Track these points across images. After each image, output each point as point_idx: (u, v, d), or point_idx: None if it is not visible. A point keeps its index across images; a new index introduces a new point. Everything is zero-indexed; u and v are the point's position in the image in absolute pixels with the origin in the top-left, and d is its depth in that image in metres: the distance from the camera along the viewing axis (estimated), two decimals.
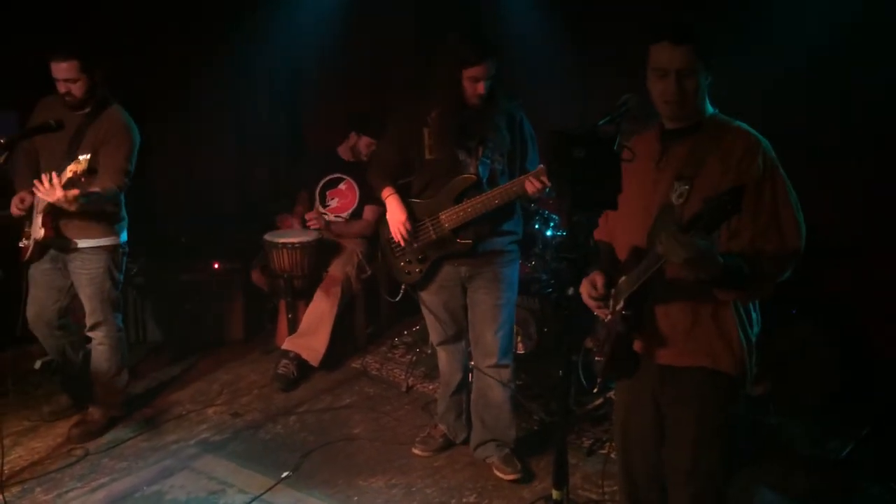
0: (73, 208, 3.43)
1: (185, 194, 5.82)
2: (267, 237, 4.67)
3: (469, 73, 3.17)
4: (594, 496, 3.36)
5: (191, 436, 3.91)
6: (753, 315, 2.30)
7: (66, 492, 3.39)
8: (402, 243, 3.42)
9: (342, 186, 4.95)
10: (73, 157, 3.36)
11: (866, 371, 3.96)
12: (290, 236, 4.66)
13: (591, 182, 1.92)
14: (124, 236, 3.83)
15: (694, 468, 2.31)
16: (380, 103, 5.48)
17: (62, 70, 3.54)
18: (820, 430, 3.77)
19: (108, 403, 3.95)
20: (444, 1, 5.23)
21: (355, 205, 4.92)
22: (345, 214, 4.93)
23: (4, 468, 3.41)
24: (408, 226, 3.37)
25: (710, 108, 2.27)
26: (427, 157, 3.36)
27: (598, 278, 2.32)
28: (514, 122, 3.35)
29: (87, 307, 3.79)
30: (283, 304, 4.82)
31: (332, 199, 4.96)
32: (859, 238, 4.04)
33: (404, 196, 3.44)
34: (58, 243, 3.66)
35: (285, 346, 4.63)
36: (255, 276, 4.95)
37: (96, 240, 3.70)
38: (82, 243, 3.68)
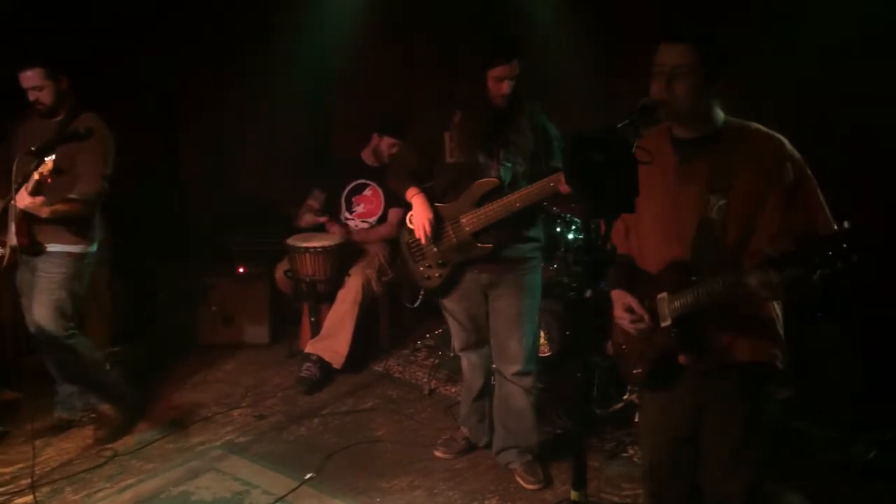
0: (44, 214, 3.43)
1: (212, 199, 5.89)
2: (290, 241, 4.71)
3: (494, 72, 3.16)
4: (616, 499, 3.36)
5: (216, 437, 3.96)
6: (779, 311, 2.31)
7: (96, 492, 3.45)
8: (424, 241, 3.41)
9: (367, 192, 4.98)
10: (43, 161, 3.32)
11: (893, 373, 3.91)
12: (313, 241, 4.69)
13: (609, 185, 1.92)
14: (94, 247, 3.78)
15: (741, 464, 2.31)
16: (404, 107, 5.53)
17: (27, 79, 3.60)
18: (845, 433, 3.73)
19: (109, 397, 3.94)
20: (468, 3, 5.23)
21: (381, 211, 4.95)
22: (371, 220, 4.96)
23: (35, 469, 3.49)
24: (433, 222, 3.36)
25: (721, 115, 2.24)
26: (448, 160, 3.36)
27: (632, 300, 2.30)
28: (535, 124, 3.34)
29: (37, 312, 3.66)
30: (306, 308, 4.86)
31: (358, 205, 4.99)
32: (885, 238, 3.99)
33: (428, 198, 3.42)
34: (35, 249, 3.63)
35: (308, 349, 4.67)
36: (280, 280, 5.00)
37: (63, 245, 3.66)
38: (51, 247, 3.65)
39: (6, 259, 3.56)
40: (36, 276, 3.69)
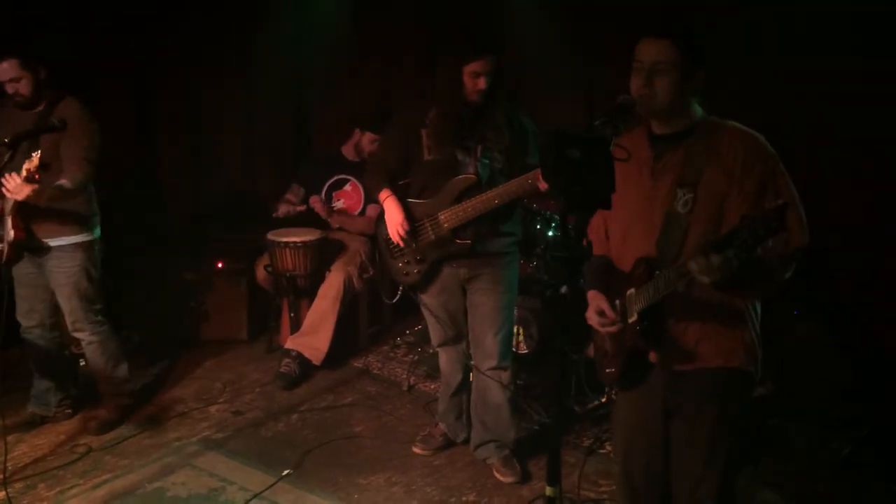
0: (42, 202, 3.43)
1: (190, 193, 5.86)
2: (270, 236, 4.69)
3: (470, 68, 3.14)
4: (593, 495, 3.37)
5: (193, 433, 3.93)
6: (758, 311, 2.31)
7: (69, 488, 3.42)
8: (402, 244, 3.42)
9: (347, 188, 4.96)
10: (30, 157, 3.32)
11: (869, 371, 3.95)
12: (293, 235, 4.67)
13: (585, 182, 1.93)
14: (97, 232, 3.81)
15: (709, 466, 2.30)
16: (387, 103, 5.51)
17: (3, 71, 3.56)
18: (821, 430, 3.76)
19: (116, 395, 3.99)
20: (450, 1, 5.22)
21: (361, 206, 4.94)
22: (352, 215, 4.95)
23: (8, 464, 3.45)
24: (406, 226, 3.36)
25: (699, 111, 2.25)
26: (426, 157, 3.34)
27: (603, 303, 2.29)
28: (512, 120, 3.33)
29: (66, 307, 3.78)
30: (285, 303, 4.84)
31: (338, 200, 4.97)
32: (863, 235, 4.02)
33: (402, 197, 3.43)
34: (31, 244, 3.63)
35: (288, 344, 4.65)
36: (260, 275, 4.97)
37: (68, 238, 3.68)
38: (54, 242, 3.67)
39: (5, 254, 3.55)
40: (50, 274, 3.73)
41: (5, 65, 3.55)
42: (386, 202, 3.41)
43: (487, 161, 3.30)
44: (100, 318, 3.88)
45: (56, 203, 3.54)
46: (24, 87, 3.59)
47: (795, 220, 2.12)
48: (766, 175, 2.13)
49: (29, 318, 3.84)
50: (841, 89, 3.91)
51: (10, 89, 3.60)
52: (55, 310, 3.89)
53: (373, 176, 3.53)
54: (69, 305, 3.77)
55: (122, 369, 4.01)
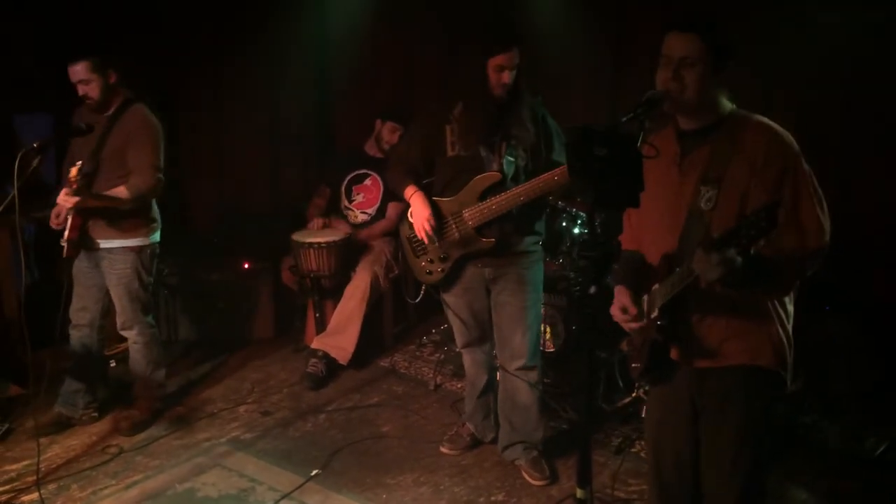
0: (93, 206, 3.56)
1: (217, 194, 5.89)
2: (294, 237, 4.70)
3: (494, 61, 3.12)
4: (622, 495, 3.34)
5: (222, 434, 3.96)
6: (789, 308, 2.27)
7: (101, 489, 3.45)
8: (427, 241, 3.39)
9: (367, 182, 4.97)
10: (97, 159, 3.46)
11: None
12: (318, 236, 4.68)
13: (613, 180, 1.91)
14: (156, 237, 3.89)
15: (737, 465, 2.28)
16: (407, 96, 5.51)
17: (75, 73, 3.62)
18: (854, 428, 3.70)
19: (148, 398, 4.04)
20: None
21: (380, 200, 4.93)
22: (370, 210, 4.94)
23: (41, 465, 3.49)
24: (432, 222, 3.31)
25: (727, 105, 2.22)
26: (449, 153, 3.32)
27: (626, 299, 2.28)
28: (536, 116, 3.30)
29: (118, 306, 3.87)
30: (310, 303, 4.85)
31: (358, 194, 4.98)
32: (893, 232, 3.96)
33: (427, 194, 3.40)
34: (86, 243, 3.74)
35: (314, 344, 4.66)
36: (285, 276, 4.99)
37: (122, 241, 3.76)
38: (108, 244, 3.75)
39: (65, 251, 3.67)
40: (105, 274, 3.82)
41: (77, 67, 3.61)
42: (413, 198, 3.36)
43: (512, 158, 3.27)
44: (149, 320, 3.96)
45: (112, 207, 3.63)
46: (92, 91, 3.65)
47: (812, 220, 2.09)
48: (786, 171, 2.10)
49: (80, 316, 3.91)
50: (874, 77, 3.86)
51: (80, 91, 3.67)
52: (106, 313, 3.96)
53: (395, 172, 3.49)
54: (121, 305, 3.85)
55: (160, 374, 4.08)
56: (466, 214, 3.32)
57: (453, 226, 3.37)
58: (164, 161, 3.74)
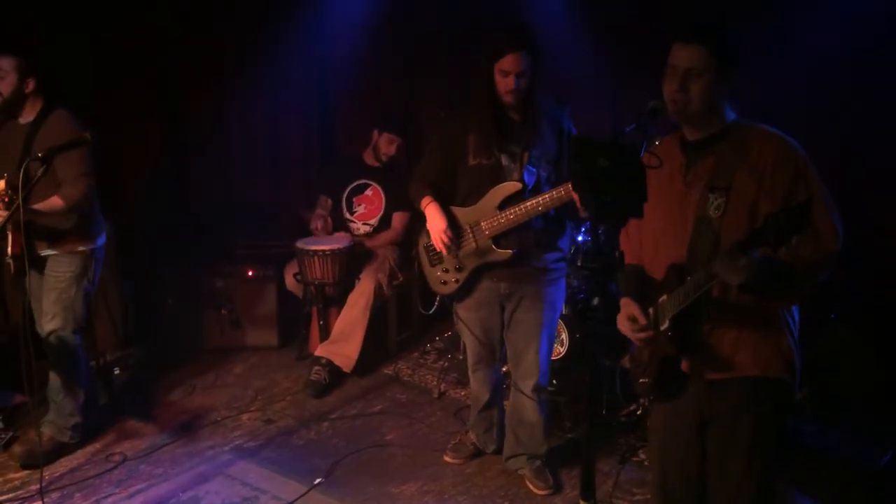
0: (22, 218, 3.35)
1: (221, 203, 5.89)
2: (299, 244, 4.70)
3: (500, 65, 3.06)
4: None
5: (225, 442, 3.95)
6: (796, 317, 2.27)
7: (105, 497, 3.45)
8: (445, 251, 3.33)
9: (368, 193, 4.97)
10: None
11: None
12: (322, 244, 4.68)
13: (616, 191, 1.90)
14: (100, 241, 3.75)
15: (747, 476, 2.26)
16: (410, 109, 5.51)
17: None
18: (859, 437, 3.69)
19: (57, 425, 3.76)
20: (475, 6, 5.20)
21: (382, 211, 4.93)
22: (372, 221, 4.95)
23: (45, 473, 3.49)
24: (449, 233, 3.26)
25: (730, 115, 2.22)
26: (470, 162, 3.26)
27: (635, 310, 2.26)
28: (560, 128, 3.25)
29: (47, 310, 3.66)
30: (314, 311, 4.85)
31: (359, 205, 4.98)
32: None
33: (445, 203, 3.34)
34: (32, 256, 3.52)
35: (318, 352, 4.66)
36: (289, 283, 4.99)
37: (63, 248, 3.64)
38: (51, 251, 3.63)
39: (12, 268, 3.51)
40: (45, 277, 3.67)
41: (2, 60, 3.47)
42: (428, 208, 3.32)
43: (534, 169, 3.21)
44: (76, 339, 3.72)
45: (50, 219, 3.50)
46: (4, 87, 3.49)
47: (826, 224, 2.09)
48: (797, 178, 2.10)
49: (41, 328, 3.74)
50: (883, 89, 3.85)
51: None
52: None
53: (417, 186, 3.42)
54: (52, 309, 3.65)
55: (75, 401, 3.75)
56: (484, 224, 3.27)
57: (471, 235, 3.31)
58: (91, 167, 3.55)
